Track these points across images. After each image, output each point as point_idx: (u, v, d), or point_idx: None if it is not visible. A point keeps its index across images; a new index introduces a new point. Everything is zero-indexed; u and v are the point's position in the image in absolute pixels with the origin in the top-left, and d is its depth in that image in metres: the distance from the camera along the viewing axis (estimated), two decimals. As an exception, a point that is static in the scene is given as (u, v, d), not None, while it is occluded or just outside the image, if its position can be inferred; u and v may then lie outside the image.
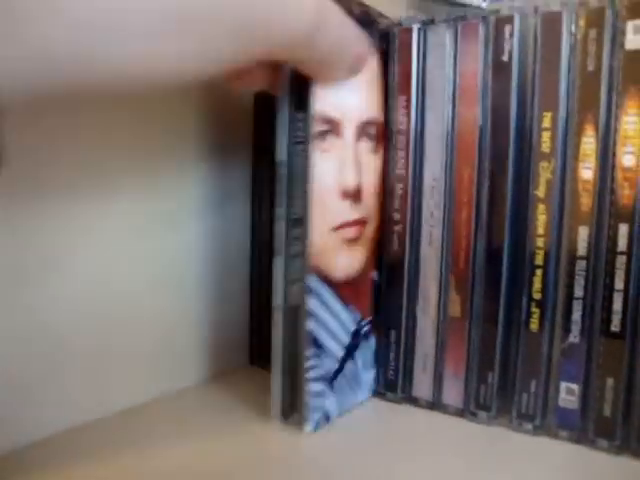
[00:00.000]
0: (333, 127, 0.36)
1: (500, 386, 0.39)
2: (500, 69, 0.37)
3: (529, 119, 0.37)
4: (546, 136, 0.36)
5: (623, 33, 0.34)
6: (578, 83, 0.35)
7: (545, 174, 0.36)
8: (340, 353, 0.39)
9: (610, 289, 0.35)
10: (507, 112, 0.37)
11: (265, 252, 0.47)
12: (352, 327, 0.40)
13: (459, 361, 0.40)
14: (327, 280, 0.37)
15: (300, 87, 0.35)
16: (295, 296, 0.37)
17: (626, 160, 0.34)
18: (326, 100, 0.35)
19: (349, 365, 0.40)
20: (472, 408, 0.40)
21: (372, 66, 0.39)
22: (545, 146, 0.36)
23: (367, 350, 0.42)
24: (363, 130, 0.39)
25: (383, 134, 0.41)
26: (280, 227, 0.37)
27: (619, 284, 0.35)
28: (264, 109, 0.45)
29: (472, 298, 0.39)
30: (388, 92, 0.41)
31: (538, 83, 0.36)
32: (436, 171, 0.40)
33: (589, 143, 0.35)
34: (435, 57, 0.39)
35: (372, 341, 0.43)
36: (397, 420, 0.40)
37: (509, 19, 0.37)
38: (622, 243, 0.35)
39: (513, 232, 0.38)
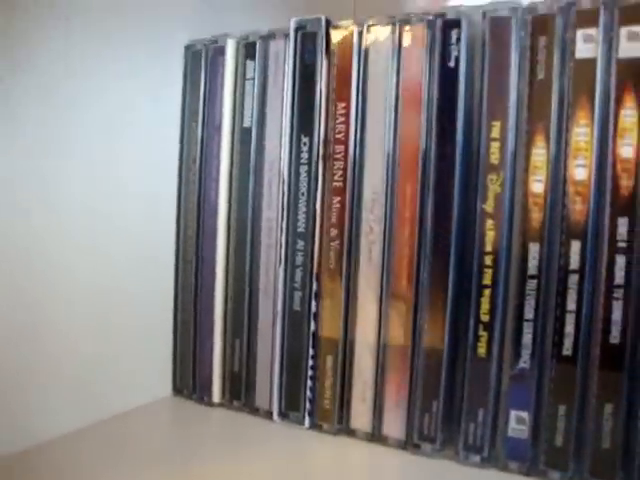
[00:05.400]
0: None
1: (445, 416, 0.36)
2: (446, 75, 0.35)
3: (477, 129, 0.35)
4: (495, 147, 0.34)
5: (573, 41, 0.33)
6: (528, 92, 0.33)
7: (494, 187, 0.34)
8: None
9: (562, 310, 0.33)
10: (453, 121, 0.35)
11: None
12: None
13: (401, 389, 0.37)
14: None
15: None
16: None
17: (577, 173, 0.33)
18: None
19: None
20: (415, 440, 0.36)
21: None
22: (493, 158, 0.34)
23: None
24: None
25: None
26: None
27: (571, 305, 0.33)
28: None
29: (415, 320, 0.36)
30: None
31: (486, 91, 0.34)
32: (377, 184, 0.37)
33: (540, 155, 0.33)
34: (377, 62, 0.37)
35: None
36: (333, 454, 0.37)
37: (456, 23, 0.35)
38: (574, 261, 0.33)
39: (459, 249, 0.35)
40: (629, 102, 0.32)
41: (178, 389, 0.45)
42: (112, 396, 0.40)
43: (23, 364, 0.34)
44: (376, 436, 0.38)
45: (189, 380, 0.44)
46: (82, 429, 0.38)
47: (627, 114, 0.32)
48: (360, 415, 0.38)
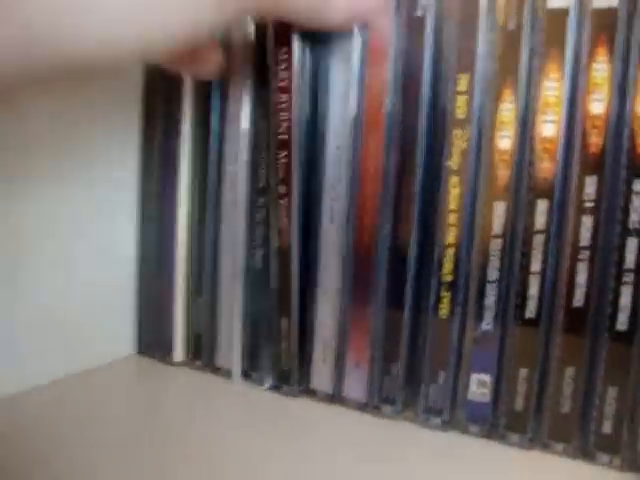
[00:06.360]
0: None
1: (406, 378, 0.35)
2: (413, 25, 0.33)
3: (444, 81, 0.33)
4: (461, 101, 0.33)
5: (546, -10, 0.31)
6: (497, 43, 0.32)
7: (459, 143, 0.33)
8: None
9: (526, 271, 0.32)
10: (419, 73, 0.33)
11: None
12: None
13: (361, 350, 0.36)
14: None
15: None
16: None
17: (546, 129, 0.31)
18: None
19: None
20: (376, 402, 0.36)
21: None
22: (460, 112, 0.33)
23: None
24: None
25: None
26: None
27: (536, 266, 0.32)
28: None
29: (377, 280, 0.35)
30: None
31: (454, 42, 0.33)
32: (340, 139, 0.35)
33: (508, 110, 0.32)
34: (342, 9, 0.35)
35: None
36: (293, 415, 0.36)
37: (424, -31, 0.33)
38: (540, 221, 0.32)
39: (423, 207, 0.34)
40: (601, 56, 0.30)
41: (142, 348, 0.44)
42: (77, 354, 0.40)
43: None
44: (337, 397, 0.37)
45: (152, 339, 0.43)
46: (46, 385, 0.37)
47: (598, 68, 0.30)
48: (321, 376, 0.37)
